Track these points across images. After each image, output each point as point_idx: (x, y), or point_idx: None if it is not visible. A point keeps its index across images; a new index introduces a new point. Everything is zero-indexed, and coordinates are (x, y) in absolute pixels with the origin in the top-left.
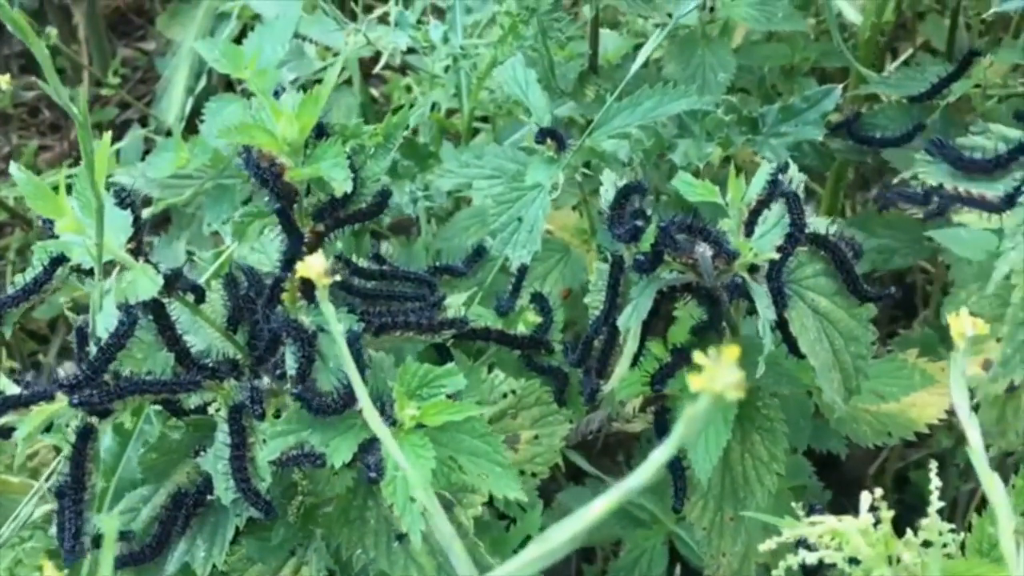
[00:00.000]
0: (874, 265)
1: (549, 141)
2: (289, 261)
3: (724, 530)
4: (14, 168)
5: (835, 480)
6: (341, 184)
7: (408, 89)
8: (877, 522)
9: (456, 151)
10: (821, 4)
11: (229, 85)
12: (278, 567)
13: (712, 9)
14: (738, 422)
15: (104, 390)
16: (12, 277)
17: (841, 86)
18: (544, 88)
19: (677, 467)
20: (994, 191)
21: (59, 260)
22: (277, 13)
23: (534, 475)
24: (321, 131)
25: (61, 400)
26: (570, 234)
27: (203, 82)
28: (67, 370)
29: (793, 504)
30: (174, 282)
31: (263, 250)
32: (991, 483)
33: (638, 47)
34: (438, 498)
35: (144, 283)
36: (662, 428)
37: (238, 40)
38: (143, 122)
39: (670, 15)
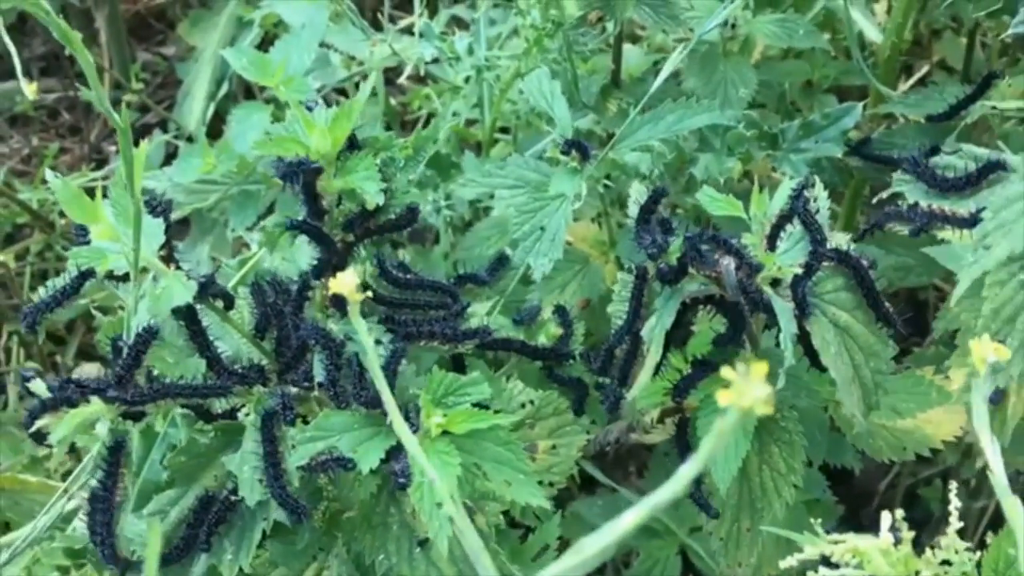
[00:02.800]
0: (891, 282)
1: (574, 152)
2: (319, 270)
3: (741, 541)
4: (50, 175)
5: (846, 494)
6: (374, 197)
7: (427, 98)
8: (897, 542)
9: (478, 161)
10: (841, 21)
11: (249, 92)
12: (300, 571)
13: (734, 25)
14: (757, 434)
15: (138, 392)
16: (32, 278)
17: (861, 104)
18: (567, 101)
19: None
20: (966, 208)
21: (88, 274)
22: (304, 22)
23: (551, 484)
24: (353, 144)
25: (95, 403)
26: (589, 245)
27: (224, 88)
28: (85, 371)
29: (812, 520)
30: (206, 289)
31: (292, 259)
32: (1010, 504)
33: (658, 62)
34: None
35: (178, 290)
36: (683, 440)
37: (260, 48)
38: (163, 126)
39: (692, 30)
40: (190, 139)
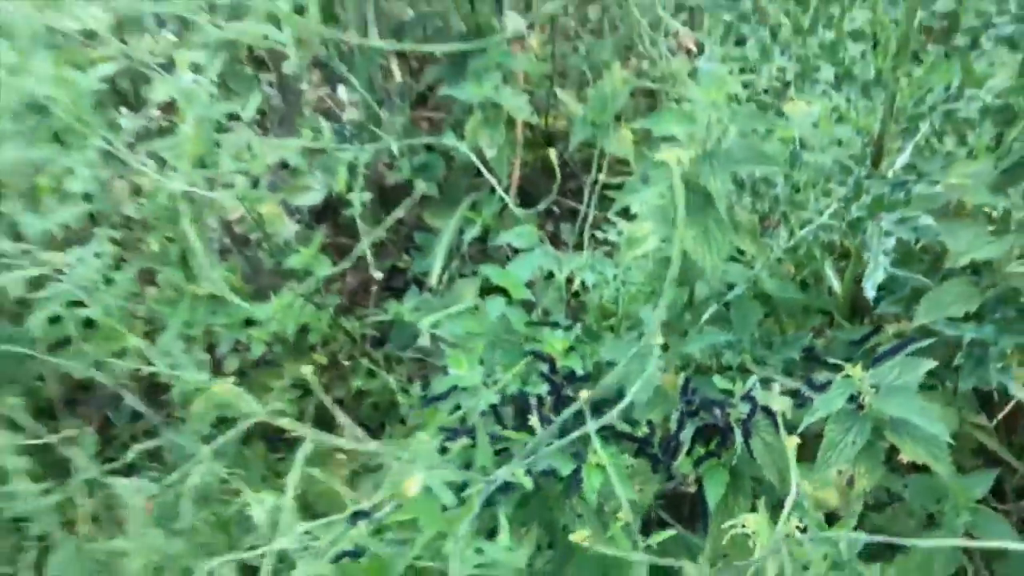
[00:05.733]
0: None
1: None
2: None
3: (721, 539)
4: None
5: None
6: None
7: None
8: None
9: (613, 337)
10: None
11: (473, 259)
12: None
13: (756, 281)
14: (732, 484)
15: None
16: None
17: (810, 335)
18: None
19: (705, 511)
20: None
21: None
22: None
23: None
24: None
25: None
26: (670, 384)
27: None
28: None
29: None
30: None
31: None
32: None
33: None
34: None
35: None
36: (701, 492)
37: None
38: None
39: (729, 284)
40: (431, 290)
